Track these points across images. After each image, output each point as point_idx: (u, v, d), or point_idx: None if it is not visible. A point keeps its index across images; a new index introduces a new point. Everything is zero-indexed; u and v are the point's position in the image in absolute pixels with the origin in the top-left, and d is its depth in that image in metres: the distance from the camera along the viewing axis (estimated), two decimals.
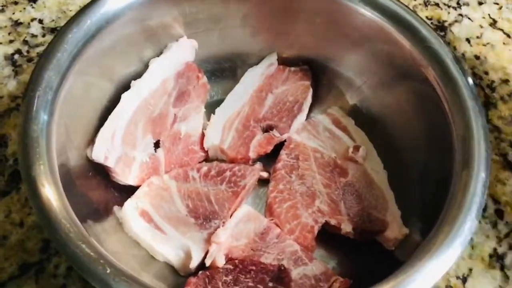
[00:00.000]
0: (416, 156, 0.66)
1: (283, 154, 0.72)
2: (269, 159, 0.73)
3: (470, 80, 0.61)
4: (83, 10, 0.61)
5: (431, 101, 0.62)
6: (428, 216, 0.58)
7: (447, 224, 0.53)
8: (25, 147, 0.52)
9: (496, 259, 0.69)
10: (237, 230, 0.64)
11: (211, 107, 0.75)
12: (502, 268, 0.68)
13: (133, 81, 0.68)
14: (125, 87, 0.68)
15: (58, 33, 0.60)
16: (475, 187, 0.54)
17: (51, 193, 0.50)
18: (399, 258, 0.62)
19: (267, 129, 0.73)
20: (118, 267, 0.48)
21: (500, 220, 0.72)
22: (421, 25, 0.64)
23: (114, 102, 0.66)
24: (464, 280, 0.67)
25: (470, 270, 0.68)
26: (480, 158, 0.55)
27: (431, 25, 0.79)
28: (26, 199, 0.68)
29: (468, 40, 0.89)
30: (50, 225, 0.49)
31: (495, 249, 0.70)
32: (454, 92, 0.59)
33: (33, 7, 0.86)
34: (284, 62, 0.79)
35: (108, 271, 0.47)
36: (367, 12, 0.67)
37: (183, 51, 0.72)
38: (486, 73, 0.85)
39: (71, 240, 0.48)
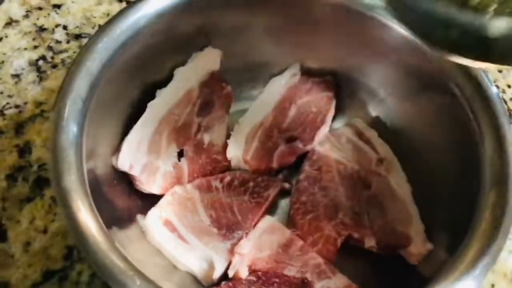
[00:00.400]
0: (442, 172, 0.65)
1: (306, 165, 0.72)
2: (291, 170, 0.73)
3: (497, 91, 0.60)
4: (112, 20, 0.62)
5: (459, 116, 0.62)
6: (454, 232, 0.58)
7: (475, 242, 0.52)
8: (56, 158, 0.52)
9: None
10: (261, 241, 0.64)
11: (234, 117, 0.76)
12: None
13: (158, 90, 0.68)
14: (151, 95, 0.68)
15: (88, 42, 0.60)
16: (505, 205, 0.53)
17: (81, 204, 0.50)
18: (423, 274, 0.62)
19: (290, 140, 0.73)
20: (148, 280, 0.48)
21: None
22: None
23: (139, 110, 0.67)
24: None
25: (493, 285, 0.68)
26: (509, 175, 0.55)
27: None
28: (50, 206, 0.68)
29: None
30: (80, 236, 0.49)
31: None
32: (485, 108, 0.59)
33: (57, 13, 0.86)
34: (307, 72, 0.79)
35: (138, 283, 0.47)
36: (394, 25, 0.67)
37: (207, 61, 0.72)
38: (509, 86, 0.85)
39: (101, 251, 0.48)
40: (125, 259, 0.49)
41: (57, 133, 0.54)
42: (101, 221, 0.51)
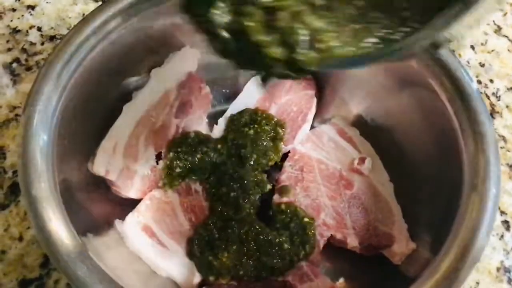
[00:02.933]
0: (424, 169, 0.65)
1: (287, 165, 0.71)
2: (273, 170, 0.71)
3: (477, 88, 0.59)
4: (84, 20, 0.60)
5: (440, 114, 0.61)
6: (437, 230, 0.58)
7: (458, 241, 0.52)
8: (25, 164, 0.51)
9: (503, 272, 0.68)
10: None
11: (214, 117, 0.74)
12: (509, 281, 0.67)
13: (134, 92, 0.67)
14: (127, 98, 0.67)
15: (58, 43, 0.58)
16: (486, 203, 0.53)
17: (52, 213, 0.49)
18: (406, 274, 0.61)
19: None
20: None
21: (507, 231, 0.71)
22: None
23: (115, 113, 0.65)
24: None
25: (477, 283, 0.67)
26: (492, 174, 0.54)
27: None
28: (26, 213, 0.66)
29: (472, 47, 0.88)
30: (52, 246, 0.47)
31: (502, 262, 0.69)
32: (465, 106, 0.58)
33: (31, 14, 0.84)
34: None
35: None
36: None
37: (185, 61, 0.71)
38: (491, 81, 0.84)
39: (73, 261, 0.47)
40: (98, 270, 0.48)
41: (27, 140, 0.52)
42: (74, 230, 0.50)
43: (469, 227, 0.52)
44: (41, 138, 0.52)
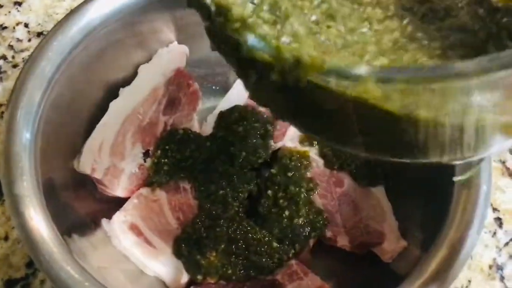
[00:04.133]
0: (414, 169, 0.64)
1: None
2: (261, 168, 0.70)
3: None
4: (68, 16, 0.59)
5: None
6: (428, 228, 0.57)
7: (448, 238, 0.51)
8: (8, 163, 0.50)
9: (496, 269, 0.67)
10: None
11: (203, 114, 0.73)
12: (502, 279, 0.66)
13: (121, 89, 0.66)
14: (113, 94, 0.66)
15: (42, 40, 0.57)
16: (477, 200, 0.52)
17: (34, 212, 0.48)
18: (397, 271, 0.60)
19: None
20: None
21: (500, 228, 0.70)
22: None
23: (101, 110, 0.64)
24: None
25: (469, 281, 0.66)
26: (483, 170, 0.53)
27: None
28: None
29: None
30: (33, 246, 0.47)
31: (494, 259, 0.68)
32: None
33: (18, 11, 0.83)
34: None
35: None
36: None
37: (173, 57, 0.70)
38: None
39: (55, 261, 0.46)
40: (81, 270, 0.47)
41: (9, 137, 0.51)
42: (57, 230, 0.49)
43: (460, 224, 0.52)
44: (24, 136, 0.51)
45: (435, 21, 0.37)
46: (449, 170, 0.56)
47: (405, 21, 0.37)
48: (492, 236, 0.69)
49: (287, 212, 0.63)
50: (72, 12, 0.60)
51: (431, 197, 0.59)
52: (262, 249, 0.61)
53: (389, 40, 0.36)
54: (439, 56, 0.35)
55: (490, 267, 0.67)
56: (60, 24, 0.58)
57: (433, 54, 0.35)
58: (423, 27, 0.37)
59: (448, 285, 0.49)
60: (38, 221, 0.48)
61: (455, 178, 0.53)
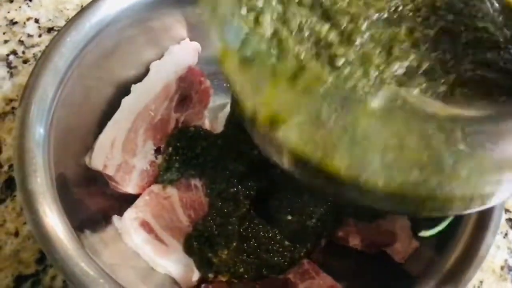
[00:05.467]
0: None
1: None
2: (274, 164, 0.70)
3: None
4: (81, 12, 0.59)
5: None
6: (442, 229, 0.56)
7: (463, 239, 0.51)
8: (21, 159, 0.50)
9: (508, 270, 0.67)
10: None
11: (214, 112, 0.73)
12: None
13: (133, 85, 0.65)
14: (125, 91, 0.65)
15: (55, 36, 0.57)
16: None
17: (48, 208, 0.48)
18: (410, 272, 0.60)
19: None
20: (119, 286, 0.46)
21: (511, 230, 0.70)
22: None
23: (113, 107, 0.64)
24: None
25: (481, 282, 0.66)
26: None
27: None
28: (22, 208, 0.65)
29: None
30: (47, 242, 0.46)
31: (506, 260, 0.68)
32: None
33: (29, 6, 0.83)
34: None
35: None
36: None
37: (185, 54, 0.70)
38: None
39: (70, 258, 0.46)
40: (95, 266, 0.47)
41: (23, 133, 0.51)
42: (70, 226, 0.49)
43: (475, 225, 0.51)
44: (38, 132, 0.51)
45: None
46: None
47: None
48: (504, 237, 0.69)
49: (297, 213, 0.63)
50: (85, 9, 0.59)
51: None
52: (274, 247, 0.61)
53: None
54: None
55: (502, 268, 0.67)
56: (73, 20, 0.58)
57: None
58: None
59: (462, 287, 0.49)
60: (53, 218, 0.47)
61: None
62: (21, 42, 0.79)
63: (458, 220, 0.53)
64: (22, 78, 0.76)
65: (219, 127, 0.71)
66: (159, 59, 0.68)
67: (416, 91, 0.35)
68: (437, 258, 0.52)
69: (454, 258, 0.50)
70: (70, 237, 0.47)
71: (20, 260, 0.63)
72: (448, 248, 0.52)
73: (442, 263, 0.50)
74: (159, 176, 0.66)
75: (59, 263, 0.46)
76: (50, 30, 0.81)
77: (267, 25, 0.37)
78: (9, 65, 0.77)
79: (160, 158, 0.67)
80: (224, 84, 0.77)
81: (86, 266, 0.46)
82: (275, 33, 0.37)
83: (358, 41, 0.38)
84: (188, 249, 0.61)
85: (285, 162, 0.41)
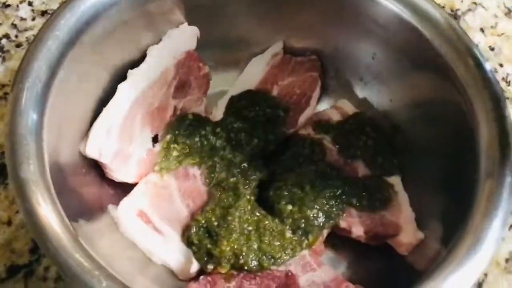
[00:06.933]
0: (434, 156, 0.62)
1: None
2: (274, 153, 0.68)
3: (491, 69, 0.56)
4: None
5: (452, 98, 0.58)
6: (448, 220, 0.55)
7: (471, 231, 0.49)
8: (13, 145, 0.48)
9: None
10: None
11: (213, 99, 0.71)
12: None
13: (130, 71, 0.63)
14: (122, 77, 0.63)
15: (49, 19, 0.55)
16: (502, 191, 0.50)
17: (41, 197, 0.46)
18: (413, 264, 0.58)
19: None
20: (115, 279, 0.44)
21: None
22: (442, 16, 0.59)
23: (109, 93, 0.61)
24: (479, 285, 0.64)
25: (485, 275, 0.65)
26: (508, 162, 0.51)
27: None
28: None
29: (482, 30, 0.85)
30: (40, 232, 0.44)
31: (511, 253, 0.66)
32: (480, 90, 0.55)
33: None
34: (290, 51, 0.74)
35: (104, 285, 0.43)
36: (383, 0, 0.62)
37: (184, 39, 0.67)
38: (501, 65, 0.81)
39: (64, 248, 0.44)
40: (90, 257, 0.45)
41: (15, 119, 0.49)
42: (64, 215, 0.47)
43: (484, 217, 0.50)
44: (30, 118, 0.49)
45: None
46: (473, 161, 0.54)
47: None
48: (510, 229, 0.68)
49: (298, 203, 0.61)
50: None
51: (452, 188, 0.57)
52: (275, 239, 0.59)
53: None
54: None
55: (507, 260, 0.66)
56: (68, 3, 0.56)
57: None
58: None
59: (471, 281, 0.47)
60: (46, 207, 0.46)
61: None
62: (14, 25, 0.77)
63: (465, 211, 0.51)
64: (14, 62, 0.73)
65: (218, 115, 0.69)
66: (157, 43, 0.66)
67: None
68: (444, 251, 0.50)
69: (462, 251, 0.48)
70: (64, 227, 0.45)
71: (13, 250, 0.61)
72: (454, 240, 0.50)
73: (450, 257, 0.49)
74: (157, 164, 0.64)
75: (53, 254, 0.44)
76: (44, 13, 0.78)
77: None
78: (1, 49, 0.75)
79: (157, 146, 0.65)
80: (223, 71, 0.75)
81: (80, 257, 0.44)
82: None
83: None
84: (187, 240, 0.59)
85: None
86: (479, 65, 0.56)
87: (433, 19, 0.59)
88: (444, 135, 0.61)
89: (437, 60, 0.59)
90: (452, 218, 0.53)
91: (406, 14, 0.61)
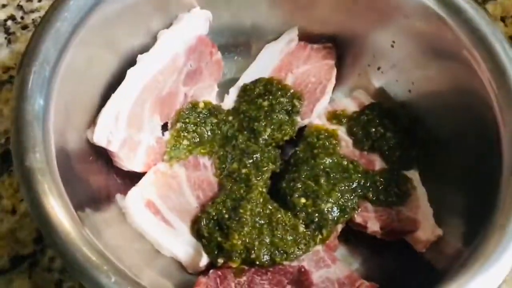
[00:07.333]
0: (455, 150, 0.60)
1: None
2: (287, 145, 0.66)
3: None
4: None
5: (475, 89, 0.56)
6: (469, 217, 0.53)
7: (496, 230, 0.47)
8: (19, 131, 0.46)
9: None
10: None
11: (224, 86, 0.69)
12: None
13: (139, 56, 0.61)
14: (131, 62, 0.61)
15: (56, 0, 0.52)
16: None
17: (48, 187, 0.44)
18: (431, 263, 0.56)
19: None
20: (124, 274, 0.43)
21: None
22: (468, 3, 0.57)
23: (118, 78, 0.59)
24: None
25: None
26: None
27: None
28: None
29: (503, 19, 0.82)
30: (47, 225, 0.43)
31: None
32: (505, 83, 0.52)
33: None
34: (305, 38, 0.71)
35: (113, 280, 0.41)
36: None
37: (195, 23, 0.65)
38: None
39: (71, 242, 0.42)
40: (98, 251, 0.43)
41: (21, 104, 0.47)
42: (71, 206, 0.45)
43: (509, 215, 0.47)
44: (37, 103, 0.47)
45: None
46: (496, 155, 0.52)
47: None
48: None
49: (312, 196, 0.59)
50: None
51: (473, 183, 0.55)
52: (288, 233, 0.57)
53: None
54: None
55: None
56: None
57: None
58: None
59: (496, 284, 0.45)
60: (52, 197, 0.43)
61: None
62: (19, 6, 0.75)
63: (488, 209, 0.49)
64: (20, 45, 0.71)
65: (230, 103, 0.67)
66: (167, 27, 0.64)
67: None
68: (465, 250, 0.48)
69: (487, 251, 0.46)
70: (71, 219, 0.44)
71: (17, 240, 0.59)
72: (478, 239, 0.48)
73: (471, 257, 0.47)
74: (166, 153, 0.62)
75: (59, 247, 0.42)
76: None
77: None
78: (6, 31, 0.72)
79: (167, 134, 0.63)
80: (235, 57, 0.73)
81: (88, 251, 0.42)
82: None
83: None
84: (197, 232, 0.57)
85: None
86: (506, 55, 0.54)
87: (459, 6, 0.57)
88: (466, 128, 0.58)
89: (460, 51, 0.57)
90: (474, 215, 0.52)
91: (430, 2, 0.58)
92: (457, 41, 0.57)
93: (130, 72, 0.59)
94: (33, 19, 0.73)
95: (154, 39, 0.63)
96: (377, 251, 0.61)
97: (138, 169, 0.60)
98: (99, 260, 0.42)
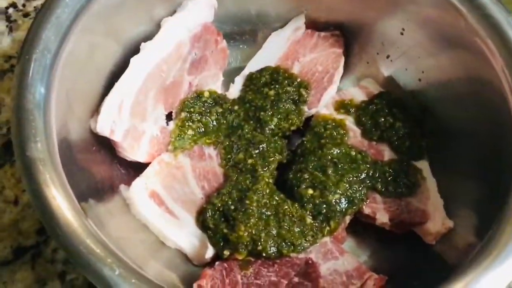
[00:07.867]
0: (466, 142, 0.58)
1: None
2: (294, 134, 0.65)
3: None
4: None
5: (487, 79, 0.54)
6: (482, 209, 0.52)
7: (510, 226, 0.46)
8: (20, 121, 0.44)
9: None
10: None
11: (230, 75, 0.68)
12: None
13: (143, 44, 0.60)
14: (134, 50, 0.59)
15: None
16: None
17: (50, 177, 0.43)
18: (441, 255, 0.55)
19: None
20: (128, 267, 0.42)
21: None
22: None
23: (121, 67, 0.58)
24: None
25: None
26: None
27: None
28: None
29: None
30: (48, 216, 0.42)
31: None
32: None
33: None
34: (312, 26, 0.70)
35: (117, 273, 0.40)
36: None
37: (200, 11, 0.64)
38: None
39: (74, 234, 0.41)
40: (102, 243, 0.42)
41: (21, 92, 0.46)
42: (74, 197, 0.44)
43: None
44: (38, 91, 0.46)
45: None
46: (510, 146, 0.50)
47: None
48: None
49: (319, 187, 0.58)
50: None
51: (485, 174, 0.54)
52: (295, 225, 0.56)
53: None
54: None
55: None
56: None
57: None
58: None
59: (507, 280, 0.44)
60: (54, 188, 0.42)
61: None
62: None
63: (502, 201, 0.48)
64: (22, 33, 0.70)
65: (235, 92, 0.66)
66: (171, 15, 0.62)
67: None
68: (478, 244, 0.47)
69: (500, 244, 0.44)
70: (74, 210, 0.42)
71: (20, 231, 0.58)
72: (491, 232, 0.46)
73: (484, 250, 0.45)
74: (170, 143, 0.60)
75: (61, 239, 0.41)
76: None
77: None
78: (8, 19, 0.71)
79: (171, 124, 0.62)
80: (240, 46, 0.71)
81: (92, 244, 0.41)
82: None
83: None
84: (202, 224, 0.56)
85: None
86: None
87: None
88: (477, 117, 0.57)
89: (471, 39, 0.55)
90: (486, 207, 0.50)
91: None
92: (469, 28, 0.55)
93: (133, 60, 0.58)
94: (35, 7, 0.72)
95: (158, 26, 0.62)
96: (386, 243, 0.60)
97: (142, 159, 0.59)
98: (103, 252, 0.41)
